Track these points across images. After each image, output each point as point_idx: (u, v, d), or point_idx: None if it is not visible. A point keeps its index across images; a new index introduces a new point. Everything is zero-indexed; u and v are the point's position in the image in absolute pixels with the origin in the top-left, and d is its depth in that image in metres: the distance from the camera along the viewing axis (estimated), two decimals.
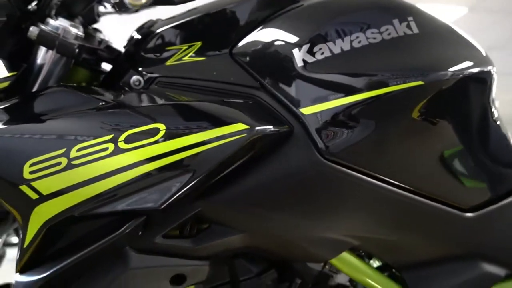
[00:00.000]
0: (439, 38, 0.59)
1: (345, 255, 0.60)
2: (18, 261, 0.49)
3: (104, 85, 0.65)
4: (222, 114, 0.51)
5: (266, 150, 0.53)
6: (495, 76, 0.63)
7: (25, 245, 0.47)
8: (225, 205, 0.53)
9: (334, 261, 0.60)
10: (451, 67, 0.57)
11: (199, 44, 0.60)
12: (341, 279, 0.64)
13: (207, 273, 0.55)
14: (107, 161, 0.46)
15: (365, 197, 0.56)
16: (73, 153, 0.46)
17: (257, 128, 0.50)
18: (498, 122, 0.66)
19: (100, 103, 0.50)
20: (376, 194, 0.57)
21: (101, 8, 0.72)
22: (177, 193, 0.47)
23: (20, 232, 0.47)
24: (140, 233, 0.50)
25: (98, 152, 0.46)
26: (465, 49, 0.61)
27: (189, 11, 0.66)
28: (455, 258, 0.64)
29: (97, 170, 0.46)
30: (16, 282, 0.49)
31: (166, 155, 0.47)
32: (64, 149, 0.45)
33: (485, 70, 0.60)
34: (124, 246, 0.50)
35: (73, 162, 0.45)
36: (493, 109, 0.65)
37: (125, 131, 0.47)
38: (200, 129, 0.48)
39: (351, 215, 0.57)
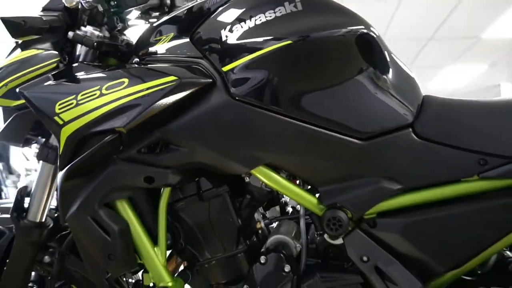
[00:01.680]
0: (319, 12, 0.83)
1: (266, 170, 0.86)
2: (59, 164, 0.85)
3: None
4: (164, 72, 0.82)
5: (197, 97, 0.82)
6: (372, 34, 0.83)
7: (60, 153, 0.84)
8: (173, 134, 0.84)
9: (256, 173, 0.86)
10: (321, 30, 0.80)
11: (171, 34, 0.92)
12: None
13: (169, 178, 0.86)
14: (96, 101, 0.81)
15: (268, 127, 0.82)
16: (79, 97, 0.81)
17: (183, 79, 0.80)
18: (392, 69, 0.86)
19: (99, 71, 0.86)
20: (278, 126, 0.82)
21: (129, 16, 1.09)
22: (134, 119, 0.79)
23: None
24: (121, 148, 0.84)
25: (91, 96, 0.81)
26: (338, 18, 0.83)
27: (174, 12, 0.99)
28: (357, 175, 0.85)
29: (90, 106, 0.81)
30: (59, 174, 0.86)
31: (126, 96, 0.80)
32: (74, 95, 0.82)
33: (349, 31, 0.82)
34: (113, 155, 0.84)
35: (79, 102, 0.81)
36: (385, 57, 0.85)
37: (106, 83, 0.81)
38: (148, 80, 0.81)
39: (258, 140, 0.83)
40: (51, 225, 1.07)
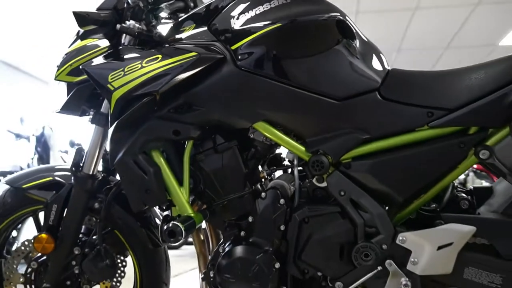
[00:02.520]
0: (304, 3, 1.09)
1: (265, 125, 1.11)
2: (110, 120, 1.14)
3: None
4: (187, 50, 1.10)
5: (212, 68, 1.10)
6: (347, 19, 1.09)
7: (111, 112, 1.12)
8: (194, 97, 1.11)
9: (257, 127, 1.12)
10: (304, 15, 1.07)
11: (193, 25, 1.21)
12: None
13: (191, 131, 1.13)
14: (138, 72, 1.09)
15: (265, 90, 1.08)
16: (126, 69, 1.10)
17: (202, 55, 1.08)
18: (363, 46, 1.11)
19: (139, 51, 1.15)
20: (274, 90, 1.08)
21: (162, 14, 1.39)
22: (165, 84, 1.07)
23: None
24: (155, 108, 1.11)
25: (134, 68, 1.09)
26: (319, 6, 1.09)
27: (194, 10, 1.27)
28: (335, 128, 1.09)
29: (134, 75, 1.09)
30: (110, 129, 1.14)
31: (160, 68, 1.08)
32: (122, 68, 1.10)
33: (329, 16, 1.08)
34: (150, 114, 1.12)
35: (125, 73, 1.10)
36: (358, 38, 1.11)
37: (145, 59, 1.10)
38: (176, 56, 1.09)
39: (258, 100, 1.09)
40: (100, 178, 1.36)
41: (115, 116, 1.12)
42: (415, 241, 1.02)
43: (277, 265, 1.09)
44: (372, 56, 1.14)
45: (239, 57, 1.09)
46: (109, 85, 1.11)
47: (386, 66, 1.15)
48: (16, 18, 5.32)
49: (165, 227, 1.07)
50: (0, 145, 6.57)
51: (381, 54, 1.17)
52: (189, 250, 6.87)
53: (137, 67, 1.10)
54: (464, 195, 1.14)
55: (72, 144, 5.02)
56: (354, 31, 1.12)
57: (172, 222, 1.07)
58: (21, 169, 4.39)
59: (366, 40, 1.15)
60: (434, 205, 1.15)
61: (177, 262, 4.82)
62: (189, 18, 1.24)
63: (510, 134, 0.98)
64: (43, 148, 4.44)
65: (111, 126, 1.14)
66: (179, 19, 1.26)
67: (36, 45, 6.05)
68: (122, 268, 1.45)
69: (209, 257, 1.32)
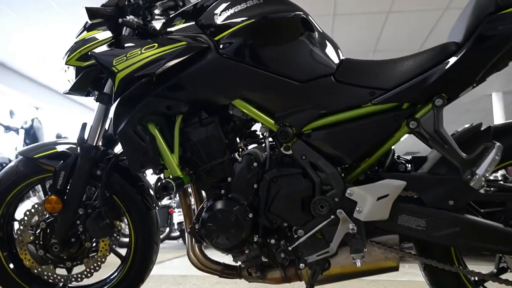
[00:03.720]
0: (275, 3, 1.35)
1: (242, 102, 1.37)
2: (114, 97, 1.38)
3: None
4: (178, 40, 1.35)
5: (198, 55, 1.34)
6: (310, 18, 1.36)
7: (114, 91, 1.36)
8: (183, 78, 1.36)
9: (235, 104, 1.37)
10: (274, 13, 1.33)
11: (183, 21, 1.45)
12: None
13: (181, 106, 1.37)
14: (138, 57, 1.33)
15: (241, 72, 1.33)
16: (128, 55, 1.34)
17: (190, 44, 1.33)
18: (322, 39, 1.37)
19: (139, 40, 1.40)
20: (248, 73, 1.33)
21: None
22: (160, 67, 1.31)
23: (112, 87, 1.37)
24: (152, 87, 1.36)
25: (135, 54, 1.34)
26: (286, 7, 1.36)
27: (183, 8, 1.52)
28: (298, 105, 1.35)
29: (135, 60, 1.33)
30: (113, 106, 1.38)
31: (156, 54, 1.32)
32: (124, 53, 1.34)
33: (296, 14, 1.34)
34: (147, 92, 1.36)
35: (127, 58, 1.34)
36: (317, 32, 1.37)
37: (144, 46, 1.34)
38: (169, 44, 1.33)
39: (235, 81, 1.34)
40: (102, 149, 1.59)
41: (118, 94, 1.36)
42: (360, 193, 1.29)
43: (250, 215, 1.34)
44: (329, 47, 1.40)
45: (221, 46, 1.34)
46: (113, 68, 1.35)
47: (341, 56, 1.42)
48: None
49: (159, 183, 1.32)
50: None
51: (337, 46, 1.43)
52: (172, 244, 7.10)
53: (137, 53, 1.34)
54: (402, 161, 1.41)
55: (58, 137, 5.19)
56: (315, 27, 1.39)
57: (165, 179, 1.32)
58: (10, 160, 4.56)
59: (324, 34, 1.42)
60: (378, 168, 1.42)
61: (161, 252, 5.05)
62: (179, 14, 1.49)
63: (432, 109, 1.25)
64: (32, 140, 4.60)
65: (114, 102, 1.38)
66: (171, 15, 1.51)
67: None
68: (119, 228, 1.68)
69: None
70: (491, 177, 1.38)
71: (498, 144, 1.17)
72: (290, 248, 1.35)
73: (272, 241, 1.37)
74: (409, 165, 1.43)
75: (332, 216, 1.31)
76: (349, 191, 1.29)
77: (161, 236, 6.61)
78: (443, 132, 1.24)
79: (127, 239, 1.72)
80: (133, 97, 1.36)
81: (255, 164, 1.38)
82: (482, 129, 1.31)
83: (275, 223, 1.36)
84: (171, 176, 1.38)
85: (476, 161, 1.19)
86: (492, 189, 1.28)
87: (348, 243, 1.30)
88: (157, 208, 1.70)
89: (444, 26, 5.79)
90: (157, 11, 1.61)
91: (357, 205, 1.29)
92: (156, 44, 1.35)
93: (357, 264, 1.26)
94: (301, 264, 1.34)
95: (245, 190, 1.37)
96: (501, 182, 1.29)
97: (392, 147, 1.40)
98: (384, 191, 1.27)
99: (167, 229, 6.87)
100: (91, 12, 1.36)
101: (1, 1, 5.38)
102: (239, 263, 1.48)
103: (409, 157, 1.45)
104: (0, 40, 6.53)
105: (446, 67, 1.22)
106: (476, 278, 1.36)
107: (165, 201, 6.88)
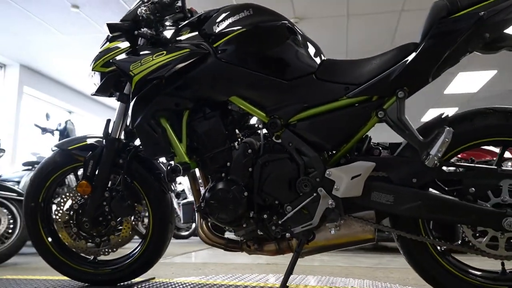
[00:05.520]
0: (263, 14, 1.59)
1: (238, 98, 1.62)
2: (131, 97, 1.65)
3: None
4: (183, 47, 1.61)
5: (200, 60, 1.60)
6: (295, 27, 1.59)
7: (132, 91, 1.64)
8: (188, 79, 1.62)
9: (232, 100, 1.62)
10: (262, 22, 1.57)
11: (188, 30, 1.72)
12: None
13: (187, 103, 1.64)
14: (150, 62, 1.61)
15: (236, 73, 1.58)
16: (142, 61, 1.62)
17: (192, 50, 1.59)
18: (305, 42, 1.61)
19: (151, 49, 1.67)
20: (242, 74, 1.58)
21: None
22: (168, 71, 1.58)
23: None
24: (162, 87, 1.63)
25: (147, 60, 1.61)
26: (272, 17, 1.60)
27: (189, 19, 1.78)
28: (285, 100, 1.58)
29: (147, 65, 1.61)
30: (132, 103, 1.66)
31: (165, 60, 1.59)
32: (139, 60, 1.62)
33: (281, 23, 1.58)
34: (158, 92, 1.64)
35: (142, 63, 1.62)
36: (301, 37, 1.60)
37: (155, 54, 1.62)
38: (175, 51, 1.60)
39: (231, 80, 1.59)
40: (123, 142, 1.88)
41: (135, 94, 1.64)
42: (337, 174, 1.51)
43: (246, 194, 1.59)
44: (312, 50, 1.64)
45: (219, 52, 1.60)
46: (130, 72, 1.63)
47: (322, 57, 1.65)
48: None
49: (169, 167, 1.58)
50: (29, 138, 7.24)
51: (319, 49, 1.66)
52: (197, 239, 7.40)
53: (150, 59, 1.62)
54: (378, 147, 1.63)
55: (71, 124, 5.48)
56: (298, 33, 1.62)
57: (175, 164, 1.58)
58: None
59: (307, 39, 1.65)
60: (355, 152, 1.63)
61: (187, 246, 5.37)
62: (186, 25, 1.75)
63: (396, 101, 1.47)
64: None
65: (132, 101, 1.66)
66: (179, 26, 1.77)
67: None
68: (140, 211, 1.96)
69: None
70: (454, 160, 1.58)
71: (448, 128, 1.38)
72: (280, 222, 1.59)
73: (265, 216, 1.61)
74: (387, 151, 1.64)
75: (314, 194, 1.54)
76: (328, 172, 1.52)
77: (188, 232, 6.88)
78: (404, 120, 1.45)
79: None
80: (147, 96, 1.64)
81: (249, 151, 1.62)
82: (442, 117, 1.51)
83: (268, 201, 1.60)
84: (177, 162, 1.64)
85: (430, 144, 1.40)
86: (452, 169, 1.48)
87: (328, 216, 1.53)
88: (171, 192, 1.97)
89: (406, 29, 5.94)
90: (168, 23, 1.88)
91: (335, 184, 1.52)
92: (165, 52, 1.62)
93: (332, 231, 1.49)
94: (287, 234, 1.58)
95: (242, 173, 1.62)
96: (459, 163, 1.49)
97: (368, 134, 1.63)
98: (357, 171, 1.49)
99: (193, 225, 7.14)
100: (111, 27, 1.64)
101: (42, 18, 5.84)
102: (240, 238, 1.73)
103: (387, 144, 1.66)
104: (38, 52, 7.04)
105: (405, 64, 1.44)
106: (443, 248, 1.56)
107: (191, 198, 7.16)
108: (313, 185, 1.54)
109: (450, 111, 1.62)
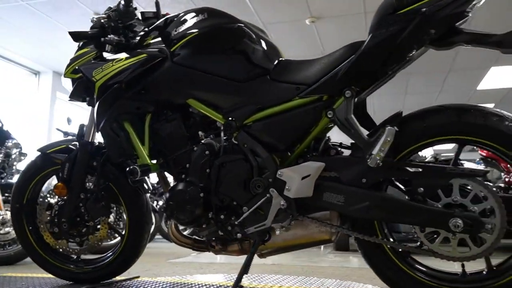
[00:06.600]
0: (216, 17, 1.62)
1: (195, 101, 1.65)
2: (95, 101, 1.72)
3: None
4: (142, 52, 1.66)
5: (157, 65, 1.65)
6: (248, 28, 1.60)
7: (95, 96, 1.71)
8: (146, 83, 1.67)
9: (190, 103, 1.65)
10: (216, 25, 1.59)
11: (152, 36, 1.77)
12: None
13: (148, 107, 1.69)
14: (110, 68, 1.68)
15: (191, 76, 1.61)
16: (103, 67, 1.69)
17: (149, 55, 1.64)
18: (260, 42, 1.62)
19: (112, 55, 1.73)
20: (197, 77, 1.61)
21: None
22: (127, 75, 1.64)
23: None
24: (123, 91, 1.68)
25: (108, 66, 1.68)
26: (226, 19, 1.61)
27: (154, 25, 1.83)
28: (239, 102, 1.60)
29: (108, 71, 1.68)
30: (95, 106, 1.72)
31: (124, 65, 1.65)
32: (101, 66, 1.69)
33: (235, 25, 1.59)
34: (120, 96, 1.69)
35: (103, 69, 1.68)
36: (256, 37, 1.61)
37: (115, 59, 1.68)
38: (134, 56, 1.65)
39: (187, 83, 1.63)
40: (97, 145, 1.95)
41: (98, 98, 1.70)
42: (288, 174, 1.51)
43: (202, 194, 1.62)
44: (268, 51, 1.64)
45: (175, 56, 1.64)
46: (93, 78, 1.70)
47: (279, 57, 1.65)
48: None
49: (128, 169, 1.64)
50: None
51: (277, 50, 1.67)
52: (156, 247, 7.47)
53: (110, 65, 1.68)
54: (336, 147, 1.61)
55: (69, 121, 5.63)
56: (253, 35, 1.63)
57: (133, 166, 1.63)
58: None
59: (266, 40, 1.66)
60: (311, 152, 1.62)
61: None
62: (151, 30, 1.80)
63: (344, 100, 1.45)
64: None
65: (96, 103, 1.72)
66: (146, 31, 1.82)
67: None
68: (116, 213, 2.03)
69: None
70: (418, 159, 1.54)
71: (389, 127, 1.35)
72: (236, 223, 1.61)
73: (222, 216, 1.63)
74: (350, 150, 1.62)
75: (268, 195, 1.55)
76: (279, 172, 1.52)
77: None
78: (351, 120, 1.43)
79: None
80: (108, 100, 1.70)
81: (207, 152, 1.64)
82: (396, 116, 1.47)
83: (225, 201, 1.62)
84: (139, 164, 1.69)
85: (374, 144, 1.37)
86: (409, 169, 1.44)
87: (281, 217, 1.53)
88: (147, 193, 2.02)
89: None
90: (137, 29, 1.93)
91: (286, 184, 1.51)
92: (124, 58, 1.67)
93: (277, 232, 1.49)
94: (238, 234, 1.59)
95: (199, 174, 1.65)
96: (411, 162, 1.45)
97: (328, 135, 1.61)
98: (307, 171, 1.48)
99: None
100: (73, 35, 1.72)
101: (70, 28, 6.12)
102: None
103: (349, 144, 1.64)
104: (60, 55, 7.36)
105: (350, 62, 1.42)
106: (400, 250, 1.52)
107: None
108: (265, 185, 1.54)
109: None
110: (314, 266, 3.14)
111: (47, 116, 7.98)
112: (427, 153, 5.51)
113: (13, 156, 3.87)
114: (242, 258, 1.65)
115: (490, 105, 10.07)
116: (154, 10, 1.93)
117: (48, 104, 8.04)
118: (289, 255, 4.14)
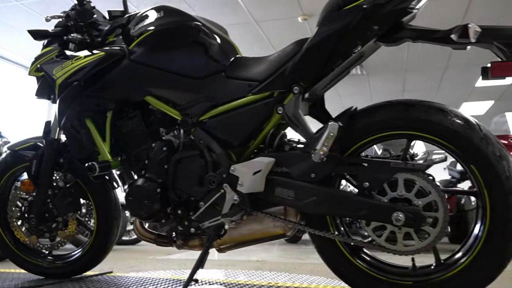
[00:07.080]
0: (172, 16, 1.64)
1: (153, 99, 1.67)
2: (56, 98, 1.75)
3: None
4: (102, 50, 1.69)
5: (115, 63, 1.67)
6: (205, 26, 1.62)
7: (57, 94, 1.74)
8: (105, 81, 1.69)
9: (148, 100, 1.68)
10: (170, 23, 1.61)
11: (114, 35, 1.79)
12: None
13: (107, 104, 1.71)
14: (69, 66, 1.70)
15: (148, 73, 1.64)
16: (63, 65, 1.72)
17: (107, 54, 1.66)
18: (214, 40, 1.64)
19: (73, 53, 1.76)
20: (153, 74, 1.63)
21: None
22: (85, 74, 1.67)
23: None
24: (83, 89, 1.71)
25: (68, 64, 1.71)
26: (182, 17, 1.63)
27: (116, 23, 1.85)
28: (195, 99, 1.62)
29: (67, 69, 1.70)
30: (56, 104, 1.75)
31: (82, 63, 1.68)
32: (61, 65, 1.72)
33: (191, 23, 1.61)
34: (79, 93, 1.72)
35: (63, 67, 1.71)
36: (211, 35, 1.63)
37: (75, 58, 1.71)
38: (92, 54, 1.68)
39: (143, 81, 1.65)
40: (63, 142, 1.98)
41: (59, 96, 1.73)
42: (240, 169, 1.53)
43: (159, 190, 1.64)
44: (224, 49, 1.66)
45: (131, 53, 1.66)
46: (54, 76, 1.72)
47: (235, 55, 1.67)
48: None
49: (86, 165, 1.66)
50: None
51: (233, 47, 1.69)
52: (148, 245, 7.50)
53: (69, 63, 1.70)
54: (291, 143, 1.62)
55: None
56: (210, 32, 1.65)
57: (91, 162, 1.66)
58: None
59: (221, 38, 1.68)
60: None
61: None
62: (113, 29, 1.83)
63: (292, 96, 1.47)
64: None
65: (56, 103, 1.75)
66: (108, 29, 1.85)
67: None
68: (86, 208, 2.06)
69: None
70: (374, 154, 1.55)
71: (331, 123, 1.36)
72: (193, 218, 1.63)
73: (179, 211, 1.65)
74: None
75: (222, 190, 1.56)
76: (232, 168, 1.54)
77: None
78: (298, 115, 1.45)
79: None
80: (68, 98, 1.73)
81: (164, 148, 1.67)
82: (346, 111, 1.48)
83: (183, 197, 1.65)
84: (99, 160, 1.72)
85: (318, 139, 1.39)
86: (355, 164, 1.46)
87: (233, 212, 1.55)
88: (114, 189, 2.05)
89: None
90: (103, 27, 1.96)
91: (239, 180, 1.53)
92: (82, 56, 1.70)
93: (226, 227, 1.51)
94: (192, 229, 1.61)
95: (157, 170, 1.67)
96: (359, 157, 1.46)
97: (285, 131, 1.63)
98: (258, 166, 1.50)
99: None
100: (33, 33, 1.75)
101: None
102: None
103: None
104: None
105: (297, 59, 1.44)
106: (351, 244, 1.53)
107: None
108: (219, 181, 1.56)
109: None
110: (301, 263, 3.16)
111: (45, 114, 8.05)
112: (419, 150, 5.48)
113: (3, 155, 3.93)
114: (232, 255, 1.67)
115: (490, 102, 10.02)
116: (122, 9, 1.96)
117: (46, 102, 8.11)
118: (275, 252, 4.16)
